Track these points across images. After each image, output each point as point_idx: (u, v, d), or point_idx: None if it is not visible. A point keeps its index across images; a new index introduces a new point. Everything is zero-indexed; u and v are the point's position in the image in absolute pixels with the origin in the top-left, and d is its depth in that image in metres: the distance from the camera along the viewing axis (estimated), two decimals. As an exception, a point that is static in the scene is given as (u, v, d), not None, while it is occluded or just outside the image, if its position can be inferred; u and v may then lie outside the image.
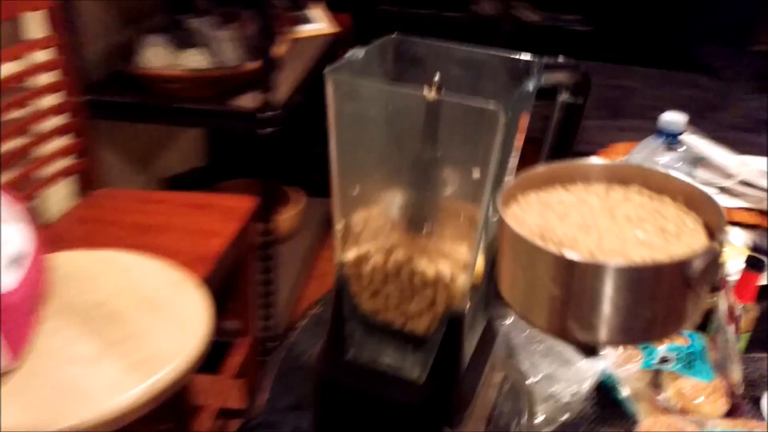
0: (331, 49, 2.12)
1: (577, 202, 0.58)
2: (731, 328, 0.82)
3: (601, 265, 0.50)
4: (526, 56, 0.64)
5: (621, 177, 0.61)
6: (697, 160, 1.56)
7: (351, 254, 0.62)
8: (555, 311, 0.53)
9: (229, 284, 1.47)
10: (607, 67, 3.26)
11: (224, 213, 1.42)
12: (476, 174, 0.53)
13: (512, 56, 0.64)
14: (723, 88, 3.14)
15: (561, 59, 0.64)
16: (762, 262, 0.83)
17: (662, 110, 3.49)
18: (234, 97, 1.57)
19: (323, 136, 0.58)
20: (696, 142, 1.60)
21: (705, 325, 0.94)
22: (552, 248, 0.51)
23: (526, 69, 0.64)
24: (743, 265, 0.85)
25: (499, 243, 0.56)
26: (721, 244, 0.53)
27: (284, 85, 1.66)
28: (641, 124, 2.76)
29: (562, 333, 0.54)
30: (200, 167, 2.25)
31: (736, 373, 0.80)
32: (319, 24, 2.20)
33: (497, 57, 0.65)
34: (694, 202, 0.57)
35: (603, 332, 0.52)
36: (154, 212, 1.42)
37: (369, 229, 0.62)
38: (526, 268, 0.54)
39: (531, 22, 3.35)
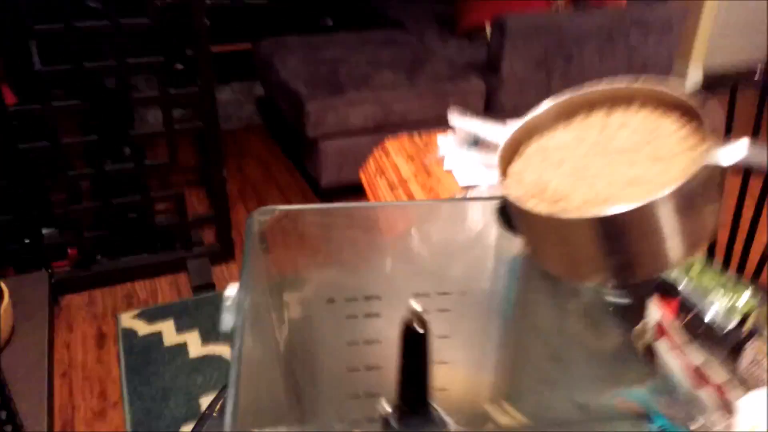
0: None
1: (575, 143, 0.62)
2: (662, 343, 0.69)
3: (586, 218, 0.54)
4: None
5: (623, 96, 0.63)
6: (475, 141, 1.48)
7: None
8: (585, 265, 0.58)
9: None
10: (303, 40, 3.08)
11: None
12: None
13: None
14: (416, 40, 3.19)
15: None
16: (672, 285, 0.73)
17: (380, 75, 3.38)
18: None
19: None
20: (464, 124, 1.52)
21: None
22: (543, 211, 0.56)
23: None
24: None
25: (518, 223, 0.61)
26: (719, 154, 0.52)
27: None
28: (368, 95, 2.66)
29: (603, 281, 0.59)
30: None
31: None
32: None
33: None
34: (693, 111, 0.58)
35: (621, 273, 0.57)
36: None
37: None
38: (539, 234, 0.60)
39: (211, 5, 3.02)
